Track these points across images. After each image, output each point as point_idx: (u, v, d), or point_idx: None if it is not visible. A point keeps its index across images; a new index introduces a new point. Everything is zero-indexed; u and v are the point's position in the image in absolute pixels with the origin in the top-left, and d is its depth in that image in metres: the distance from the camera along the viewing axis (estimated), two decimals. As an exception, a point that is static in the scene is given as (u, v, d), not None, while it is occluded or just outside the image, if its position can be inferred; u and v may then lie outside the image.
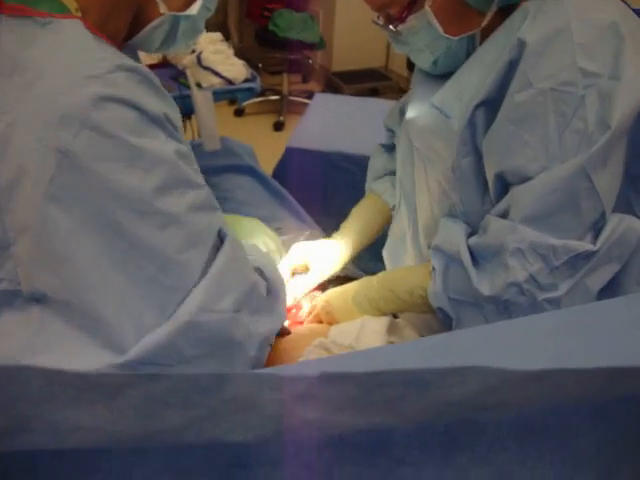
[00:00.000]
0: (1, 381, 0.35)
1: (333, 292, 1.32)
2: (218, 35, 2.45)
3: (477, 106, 1.02)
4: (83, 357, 0.73)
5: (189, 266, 0.79)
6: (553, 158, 0.93)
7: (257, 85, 2.32)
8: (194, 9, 0.97)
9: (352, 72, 5.25)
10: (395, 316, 1.30)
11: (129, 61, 0.81)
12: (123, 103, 0.76)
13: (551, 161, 0.93)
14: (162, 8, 0.94)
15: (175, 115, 0.87)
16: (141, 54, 2.44)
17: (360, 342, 1.13)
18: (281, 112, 4.87)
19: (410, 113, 1.20)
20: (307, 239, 1.84)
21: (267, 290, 0.99)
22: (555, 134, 0.92)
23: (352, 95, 3.39)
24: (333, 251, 1.44)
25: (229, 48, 2.38)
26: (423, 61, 1.14)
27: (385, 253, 1.50)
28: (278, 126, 4.78)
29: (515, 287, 0.95)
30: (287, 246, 1.75)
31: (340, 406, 0.41)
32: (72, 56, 0.77)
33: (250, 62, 4.64)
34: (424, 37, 1.07)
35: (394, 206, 1.45)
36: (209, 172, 2.13)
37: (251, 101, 4.83)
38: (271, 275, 1.03)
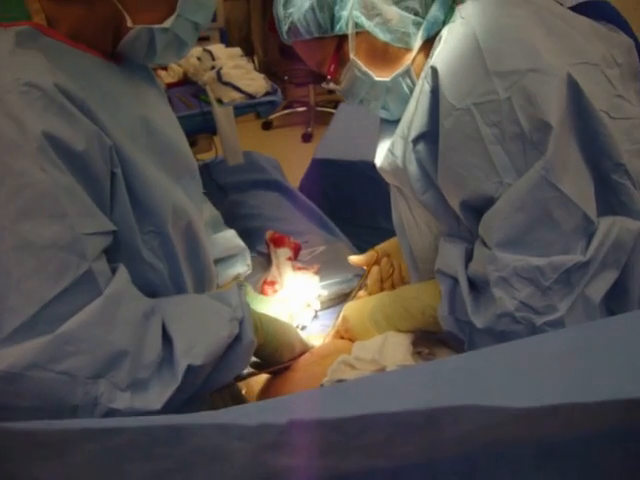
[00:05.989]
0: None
1: (350, 307, 1.28)
2: (237, 50, 2.45)
3: (415, 141, 1.00)
4: None
5: (31, 296, 0.77)
6: (505, 170, 0.88)
7: (278, 98, 2.31)
8: (168, 22, 0.98)
9: (379, 79, 5.21)
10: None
11: (41, 77, 0.82)
12: (9, 118, 0.78)
13: (505, 174, 0.89)
14: (129, 22, 0.95)
15: (81, 142, 0.84)
16: (162, 73, 2.47)
17: (384, 355, 1.09)
18: (309, 123, 4.85)
19: (377, 158, 1.17)
20: (334, 251, 1.81)
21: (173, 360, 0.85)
22: (495, 146, 0.88)
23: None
24: None
25: (249, 63, 2.37)
26: (374, 109, 1.13)
27: None
28: (306, 137, 4.77)
29: (507, 317, 0.89)
30: (315, 260, 1.72)
31: (320, 452, 0.38)
32: None
33: (276, 75, 4.65)
34: (361, 86, 1.08)
35: None
36: (235, 189, 2.15)
37: (278, 114, 4.83)
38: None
